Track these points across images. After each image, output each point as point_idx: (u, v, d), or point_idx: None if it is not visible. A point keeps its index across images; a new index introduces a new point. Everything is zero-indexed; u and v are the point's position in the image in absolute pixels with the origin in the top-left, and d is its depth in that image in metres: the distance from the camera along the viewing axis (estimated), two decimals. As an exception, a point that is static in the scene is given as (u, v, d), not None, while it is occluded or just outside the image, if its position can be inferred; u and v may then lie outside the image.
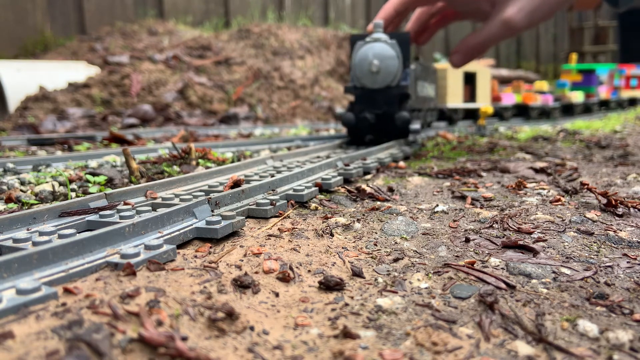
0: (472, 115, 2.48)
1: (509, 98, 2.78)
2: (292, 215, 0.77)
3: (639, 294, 0.51)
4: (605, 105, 3.61)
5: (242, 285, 0.50)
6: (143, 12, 4.10)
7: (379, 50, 1.42)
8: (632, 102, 4.00)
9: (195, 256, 0.57)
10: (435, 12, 1.60)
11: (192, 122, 2.71)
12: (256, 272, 0.54)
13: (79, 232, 0.62)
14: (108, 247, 0.54)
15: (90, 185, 1.01)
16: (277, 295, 0.50)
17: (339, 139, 1.67)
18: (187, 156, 1.25)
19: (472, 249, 0.64)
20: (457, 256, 0.61)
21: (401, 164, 1.27)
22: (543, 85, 3.07)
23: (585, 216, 0.78)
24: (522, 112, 2.95)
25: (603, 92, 3.48)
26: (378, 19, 1.49)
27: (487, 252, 0.62)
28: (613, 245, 0.66)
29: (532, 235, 0.68)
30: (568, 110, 3.18)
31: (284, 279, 0.53)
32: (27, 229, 0.61)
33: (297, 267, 0.56)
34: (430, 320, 0.45)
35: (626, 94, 3.84)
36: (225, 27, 4.43)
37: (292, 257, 0.59)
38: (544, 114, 3.02)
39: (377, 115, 1.48)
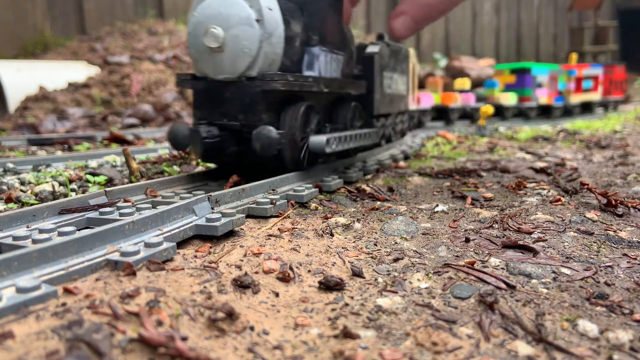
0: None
1: (427, 99, 2.36)
2: (292, 215, 0.77)
3: (639, 294, 0.51)
4: (547, 111, 3.11)
5: (242, 285, 0.49)
6: (143, 12, 4.10)
7: (223, 8, 0.81)
8: (586, 107, 3.45)
9: (195, 256, 0.57)
10: None
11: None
12: (256, 272, 0.54)
13: (78, 230, 0.62)
14: (108, 245, 0.54)
15: (90, 185, 1.01)
16: (277, 295, 0.50)
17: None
18: (187, 156, 1.25)
19: (472, 249, 0.64)
20: (457, 256, 0.61)
21: (401, 163, 1.27)
22: (465, 83, 2.63)
23: (585, 216, 0.78)
24: (442, 114, 2.52)
25: (543, 96, 3.01)
26: None
27: (487, 252, 0.62)
28: (613, 245, 0.66)
29: (532, 235, 0.68)
30: (497, 112, 2.82)
31: (284, 279, 0.53)
32: (27, 226, 0.61)
33: (297, 267, 0.56)
34: (430, 320, 0.45)
35: (577, 99, 3.28)
36: (225, 27, 4.43)
37: (292, 257, 0.59)
38: (465, 116, 2.65)
39: (226, 129, 0.87)
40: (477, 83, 3.84)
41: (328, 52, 1.00)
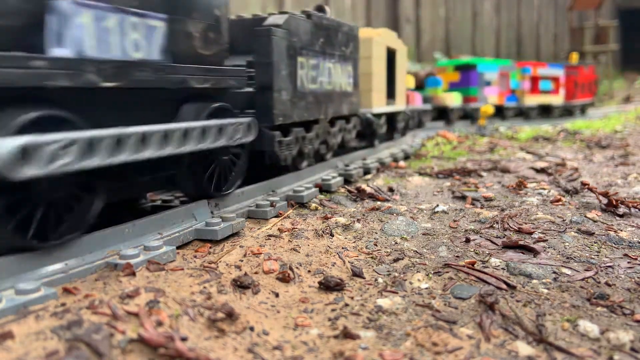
0: (390, 124, 1.51)
1: (418, 98, 1.93)
2: (292, 215, 0.77)
3: (640, 294, 0.51)
4: (498, 112, 2.71)
5: (242, 285, 0.49)
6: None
7: None
8: (546, 110, 3.03)
9: (195, 256, 0.57)
10: None
11: None
12: (256, 273, 0.54)
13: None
14: (108, 248, 0.54)
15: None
16: (277, 295, 0.50)
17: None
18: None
19: (472, 249, 0.63)
20: (457, 256, 0.61)
21: (401, 163, 1.27)
22: (409, 80, 1.98)
23: (585, 216, 0.77)
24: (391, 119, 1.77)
25: (493, 96, 2.62)
26: None
27: (487, 252, 0.62)
28: (614, 245, 0.66)
29: (532, 236, 0.68)
30: (442, 115, 2.34)
31: (284, 279, 0.53)
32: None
33: (297, 267, 0.56)
34: (431, 321, 0.45)
35: (533, 100, 2.91)
36: (225, 27, 4.43)
37: (292, 257, 0.59)
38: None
39: None
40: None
41: (109, 10, 0.54)
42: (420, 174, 1.14)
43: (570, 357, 0.40)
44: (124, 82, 0.55)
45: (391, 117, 1.51)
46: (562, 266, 0.57)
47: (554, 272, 0.56)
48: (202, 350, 0.39)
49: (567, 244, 0.65)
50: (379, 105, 1.32)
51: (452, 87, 2.55)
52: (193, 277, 0.51)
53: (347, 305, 0.48)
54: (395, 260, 0.60)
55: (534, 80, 2.93)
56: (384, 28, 1.40)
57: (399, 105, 1.51)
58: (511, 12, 6.59)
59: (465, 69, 2.55)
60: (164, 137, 0.57)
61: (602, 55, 5.56)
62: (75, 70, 0.50)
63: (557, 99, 3.09)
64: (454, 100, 2.38)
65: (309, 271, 0.56)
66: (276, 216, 0.75)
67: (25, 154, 0.42)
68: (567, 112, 3.29)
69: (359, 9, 4.98)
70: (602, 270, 0.57)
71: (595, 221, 0.75)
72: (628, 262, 0.59)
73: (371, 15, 4.97)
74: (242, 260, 0.56)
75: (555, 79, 3.06)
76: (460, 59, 3.07)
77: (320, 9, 1.01)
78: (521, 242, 0.63)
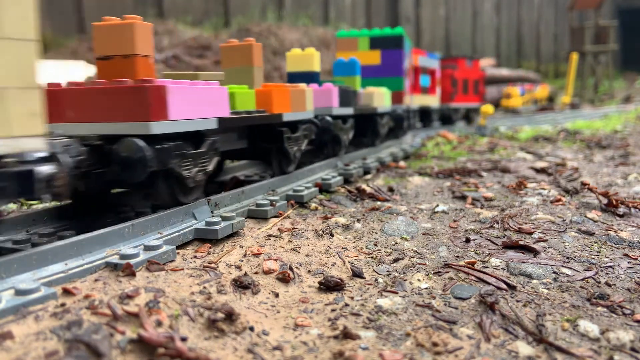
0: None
1: (215, 103, 0.67)
2: (292, 215, 0.77)
3: (640, 294, 0.51)
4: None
5: (242, 285, 0.49)
6: (143, 12, 4.10)
7: None
8: (425, 115, 2.18)
9: (195, 256, 0.57)
10: None
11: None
12: (256, 273, 0.54)
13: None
14: (108, 248, 0.53)
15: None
16: (277, 295, 0.50)
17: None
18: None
19: (472, 249, 0.63)
20: (457, 256, 0.61)
21: (401, 163, 1.27)
22: (312, 59, 1.21)
23: (586, 216, 0.77)
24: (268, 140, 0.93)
25: (407, 96, 1.70)
26: None
27: (487, 252, 0.62)
28: (614, 245, 0.66)
29: (532, 236, 0.68)
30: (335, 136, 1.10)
31: (284, 279, 0.53)
32: (27, 231, 0.61)
33: (297, 268, 0.56)
34: (431, 321, 0.45)
35: (414, 101, 1.97)
36: (225, 27, 4.43)
37: (292, 257, 0.59)
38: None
39: None
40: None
41: None
42: (421, 174, 1.14)
43: (571, 357, 0.40)
44: None
45: None
46: (562, 266, 0.57)
47: (554, 272, 0.56)
48: (201, 350, 0.39)
49: (567, 244, 0.65)
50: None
51: (368, 74, 1.51)
52: (193, 277, 0.50)
53: (347, 305, 0.48)
54: (395, 260, 0.60)
55: (414, 72, 1.99)
56: None
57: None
58: (511, 12, 6.59)
59: (391, 46, 1.50)
60: None
61: (602, 55, 5.56)
62: None
63: (434, 100, 2.20)
64: (383, 100, 1.32)
65: (309, 271, 0.56)
66: (276, 216, 0.75)
67: None
68: (445, 118, 2.39)
69: (359, 9, 4.98)
70: (602, 270, 0.56)
71: (595, 221, 0.75)
72: (628, 262, 0.59)
73: (371, 14, 4.96)
74: (242, 260, 0.56)
75: (432, 73, 2.17)
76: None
77: None
78: (521, 242, 0.63)
